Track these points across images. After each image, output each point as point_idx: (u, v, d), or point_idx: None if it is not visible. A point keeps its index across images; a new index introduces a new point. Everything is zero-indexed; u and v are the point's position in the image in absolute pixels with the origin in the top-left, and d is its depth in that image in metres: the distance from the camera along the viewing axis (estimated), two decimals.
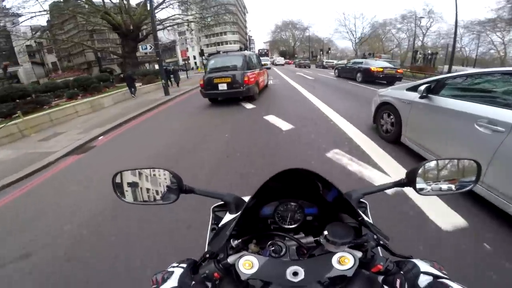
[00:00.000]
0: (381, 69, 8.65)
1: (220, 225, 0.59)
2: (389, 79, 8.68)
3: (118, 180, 0.55)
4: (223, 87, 5.40)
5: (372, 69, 8.71)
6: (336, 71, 12.46)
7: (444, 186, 0.58)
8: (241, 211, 0.47)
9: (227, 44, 50.16)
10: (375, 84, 8.47)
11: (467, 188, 0.57)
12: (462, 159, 0.58)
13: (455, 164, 0.59)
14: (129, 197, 0.55)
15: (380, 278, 0.42)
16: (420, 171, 0.55)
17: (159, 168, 0.56)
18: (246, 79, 5.33)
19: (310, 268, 0.40)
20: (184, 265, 0.43)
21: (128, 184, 0.55)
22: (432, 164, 0.57)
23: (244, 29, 51.33)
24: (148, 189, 0.55)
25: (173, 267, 0.43)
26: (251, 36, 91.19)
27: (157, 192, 0.56)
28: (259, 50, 48.23)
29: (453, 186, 0.57)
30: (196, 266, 0.45)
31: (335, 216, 0.55)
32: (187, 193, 0.56)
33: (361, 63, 9.89)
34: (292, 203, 0.59)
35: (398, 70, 9.22)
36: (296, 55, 53.34)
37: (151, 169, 0.56)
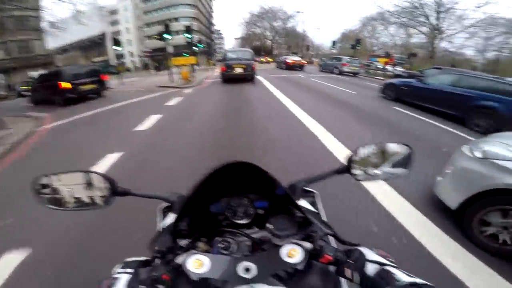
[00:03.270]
0: (293, 61, 22.21)
1: (163, 225, 0.70)
2: (297, 67, 22.03)
3: (41, 183, 0.63)
4: (240, 70, 11.84)
5: (289, 61, 22.19)
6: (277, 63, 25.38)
7: (380, 171, 0.75)
8: (180, 210, 0.58)
9: (177, 34, 48.85)
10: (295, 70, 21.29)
11: (402, 171, 0.76)
12: (395, 144, 0.75)
13: (389, 149, 0.75)
14: (55, 202, 0.63)
15: (332, 268, 0.51)
16: (356, 157, 0.73)
17: (89, 171, 0.64)
18: (253, 66, 12.07)
19: (261, 263, 0.47)
20: (131, 270, 0.49)
21: (53, 188, 0.63)
22: (368, 150, 0.74)
23: (207, 19, 52.41)
24: (77, 193, 0.64)
25: (119, 273, 0.49)
26: (219, 30, 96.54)
27: (87, 196, 0.64)
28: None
29: (388, 170, 0.75)
30: (145, 268, 0.51)
31: (285, 209, 0.66)
32: (122, 195, 0.66)
33: (286, 58, 23.82)
34: (243, 198, 0.71)
35: (302, 62, 22.78)
36: (275, 52, 55.96)
37: (80, 172, 0.64)
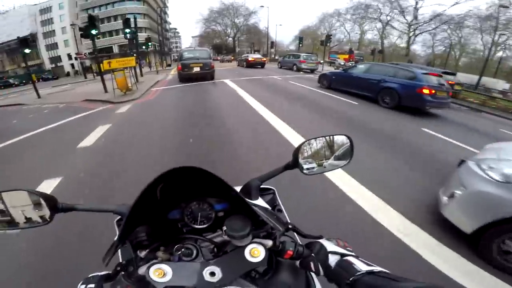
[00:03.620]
0: (254, 59, 23.29)
1: (115, 238, 0.70)
2: (258, 64, 22.92)
3: None
4: (197, 69, 12.24)
5: (250, 59, 23.36)
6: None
7: (325, 163, 0.83)
8: (125, 220, 0.56)
9: (117, 34, 43.37)
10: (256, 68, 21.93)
11: (345, 162, 0.85)
12: (335, 135, 0.84)
13: (330, 141, 0.84)
14: None
15: (298, 262, 0.57)
16: (300, 151, 0.79)
17: (22, 189, 0.62)
18: (212, 64, 12.74)
19: (225, 266, 0.51)
20: (93, 285, 0.53)
21: None
22: (311, 143, 0.81)
23: (160, 16, 50.06)
24: (13, 213, 0.62)
25: None
26: (175, 29, 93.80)
27: (24, 215, 0.63)
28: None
29: (333, 162, 0.84)
30: (107, 282, 0.55)
31: (244, 209, 0.66)
32: (65, 211, 0.64)
33: (247, 56, 25.68)
34: (201, 202, 0.74)
35: (263, 59, 24.02)
36: (238, 49, 56.41)
37: (13, 191, 0.62)
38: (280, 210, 0.94)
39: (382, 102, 7.61)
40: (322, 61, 25.39)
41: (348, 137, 0.84)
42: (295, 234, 0.71)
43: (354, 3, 47.48)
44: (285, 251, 0.55)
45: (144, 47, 25.57)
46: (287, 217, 0.90)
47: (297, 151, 0.80)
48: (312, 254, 0.55)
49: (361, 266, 0.48)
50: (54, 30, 47.75)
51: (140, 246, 0.64)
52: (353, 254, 0.54)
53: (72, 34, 45.08)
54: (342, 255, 0.53)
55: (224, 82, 12.51)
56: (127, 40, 18.31)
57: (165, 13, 66.00)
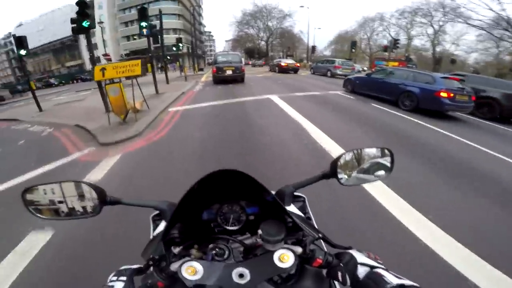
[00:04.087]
0: (286, 64, 24.42)
1: (154, 233, 0.85)
2: (291, 70, 24.10)
3: (30, 194, 0.75)
4: (229, 72, 14.41)
5: (282, 64, 24.60)
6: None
7: (363, 175, 0.92)
8: (170, 217, 0.67)
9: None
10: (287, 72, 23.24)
11: (384, 175, 0.93)
12: (377, 148, 0.93)
13: (371, 153, 0.93)
14: (44, 212, 0.76)
15: (325, 271, 0.63)
16: (340, 162, 0.87)
17: (79, 181, 0.76)
18: (242, 68, 14.73)
19: (254, 269, 0.57)
20: (124, 278, 0.60)
21: (43, 197, 0.75)
22: (351, 154, 0.90)
23: (195, 18, 52.46)
24: (65, 202, 0.75)
25: (113, 281, 0.59)
26: (209, 32, 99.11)
27: (77, 205, 0.76)
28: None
29: (371, 174, 0.92)
30: (139, 276, 0.63)
31: (275, 214, 0.75)
32: (112, 204, 0.78)
33: (280, 61, 26.70)
34: (234, 204, 0.88)
35: (296, 64, 25.14)
36: (271, 54, 57.37)
37: (70, 182, 0.75)
38: (309, 218, 1.01)
39: (402, 105, 8.53)
40: (365, 68, 25.07)
41: (389, 150, 0.92)
42: (322, 242, 0.79)
43: (402, 7, 46.23)
44: (314, 259, 0.61)
45: (174, 48, 25.63)
46: (315, 225, 0.95)
47: (336, 161, 0.86)
48: (341, 264, 0.60)
49: (391, 279, 0.51)
50: (93, 31, 52.10)
51: (172, 242, 0.72)
52: (383, 267, 0.58)
53: (110, 34, 48.96)
54: (372, 267, 0.58)
55: (269, 98, 9.84)
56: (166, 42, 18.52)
57: (200, 14, 69.34)
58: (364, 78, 11.13)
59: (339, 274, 0.58)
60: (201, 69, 36.04)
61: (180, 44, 25.30)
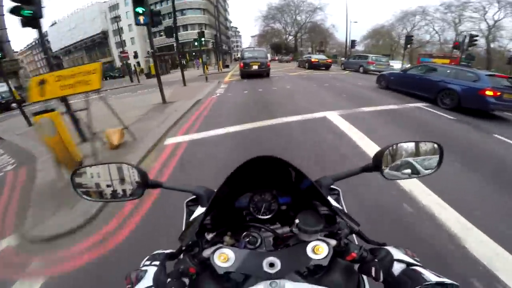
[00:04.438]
0: (317, 60, 24.16)
1: (191, 219, 0.87)
2: (322, 66, 23.81)
3: (78, 177, 0.83)
4: (255, 67, 16.28)
5: (313, 60, 24.39)
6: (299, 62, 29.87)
7: (408, 169, 0.90)
8: (209, 203, 0.70)
9: (186, 30, 48.07)
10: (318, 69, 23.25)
11: (431, 171, 0.91)
12: (425, 142, 0.92)
13: (418, 147, 0.91)
14: (91, 194, 0.83)
15: (356, 266, 0.63)
16: (385, 155, 0.86)
17: (123, 163, 0.82)
18: (268, 63, 16.83)
19: (285, 259, 0.59)
20: (157, 262, 0.63)
21: (90, 180, 0.83)
22: (397, 147, 0.89)
23: (220, 13, 52.67)
24: (111, 185, 0.82)
25: (146, 265, 0.63)
26: (236, 28, 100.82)
27: (121, 187, 0.83)
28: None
29: (418, 170, 0.90)
30: (171, 260, 0.67)
31: (309, 204, 0.78)
32: (153, 187, 0.85)
33: (310, 57, 26.70)
34: (266, 193, 0.90)
35: (328, 60, 24.43)
36: (300, 49, 56.87)
37: (115, 164, 0.83)
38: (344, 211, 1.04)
39: (441, 103, 8.28)
40: (408, 64, 24.45)
41: (439, 145, 0.90)
42: (354, 237, 0.81)
43: (447, 1, 43.74)
44: (348, 253, 0.62)
45: (196, 43, 24.47)
46: None
47: (381, 153, 0.86)
48: (375, 260, 0.61)
49: (430, 277, 0.51)
50: (122, 28, 52.69)
51: (204, 229, 0.77)
52: (420, 264, 0.58)
53: (137, 31, 50.26)
54: (409, 264, 0.58)
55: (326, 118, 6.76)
56: (189, 37, 18.77)
57: (225, 10, 69.85)
58: (399, 74, 11.00)
59: (373, 269, 0.58)
60: (227, 66, 34.75)
61: (203, 39, 24.19)
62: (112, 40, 53.79)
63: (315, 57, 25.01)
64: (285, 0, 55.03)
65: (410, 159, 0.91)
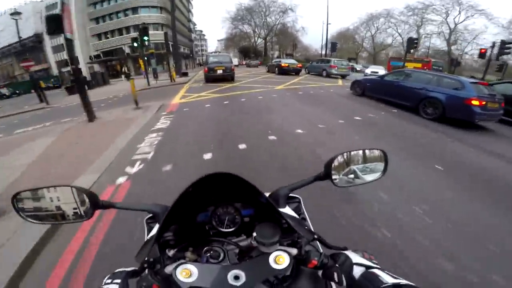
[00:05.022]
0: (287, 64, 23.97)
1: (148, 236, 0.90)
2: (292, 71, 23.73)
3: (20, 200, 0.81)
4: (220, 71, 17.15)
5: (283, 65, 24.23)
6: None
7: (357, 176, 0.99)
8: (162, 220, 0.72)
9: (128, 32, 43.21)
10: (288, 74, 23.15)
11: (377, 177, 1.00)
12: (370, 149, 1.01)
13: (364, 155, 1.01)
14: (35, 217, 0.82)
15: (320, 272, 0.68)
16: (334, 163, 0.93)
17: (68, 185, 0.81)
18: (232, 68, 17.75)
19: (250, 271, 0.62)
20: (119, 280, 0.65)
21: (33, 203, 0.82)
22: (344, 156, 0.97)
23: (183, 14, 51.67)
24: (58, 207, 0.82)
25: (107, 283, 0.65)
26: (201, 31, 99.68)
27: (68, 209, 0.82)
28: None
29: (365, 176, 0.99)
30: (134, 278, 0.70)
31: (271, 215, 0.82)
32: (104, 208, 0.84)
33: (279, 61, 26.05)
34: (229, 206, 0.94)
35: (298, 65, 24.42)
36: (271, 53, 57.14)
37: (61, 187, 0.82)
38: (304, 219, 1.08)
39: (424, 113, 8.10)
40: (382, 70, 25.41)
41: (383, 152, 1.01)
42: (318, 243, 0.85)
43: (414, 3, 46.99)
44: (309, 261, 0.65)
45: (136, 44, 19.18)
46: (311, 226, 1.03)
47: (330, 162, 0.93)
48: (337, 265, 0.65)
49: (387, 279, 0.55)
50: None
51: (167, 245, 0.78)
52: (378, 266, 0.63)
53: (79, 34, 46.78)
54: (368, 267, 0.63)
55: None
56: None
57: (189, 11, 68.73)
58: (376, 80, 10.94)
59: (335, 274, 0.62)
60: (185, 74, 27.00)
61: (146, 38, 18.23)
62: (48, 44, 49.60)
63: (285, 62, 25.19)
64: (256, 1, 55.23)
65: (359, 166, 1.00)
